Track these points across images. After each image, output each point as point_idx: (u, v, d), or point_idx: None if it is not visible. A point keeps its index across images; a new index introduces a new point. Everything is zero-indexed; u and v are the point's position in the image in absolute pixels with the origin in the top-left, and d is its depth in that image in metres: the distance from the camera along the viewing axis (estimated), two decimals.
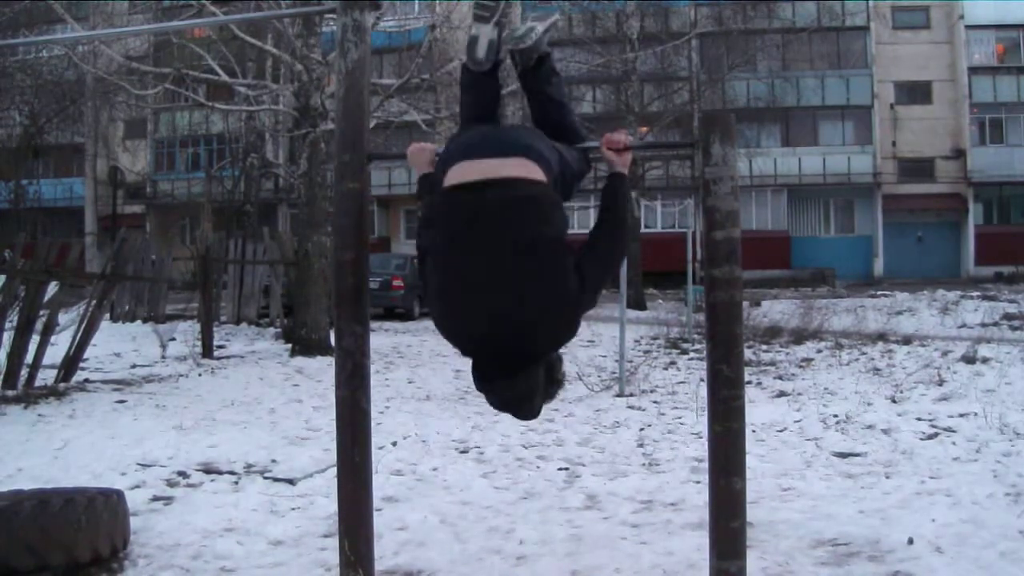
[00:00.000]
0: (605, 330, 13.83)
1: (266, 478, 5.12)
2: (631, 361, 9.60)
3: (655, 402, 7.79)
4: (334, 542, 2.93)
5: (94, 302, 8.90)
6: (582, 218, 22.71)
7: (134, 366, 10.26)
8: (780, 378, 9.02)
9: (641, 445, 6.04)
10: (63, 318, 9.68)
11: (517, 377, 2.30)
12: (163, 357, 10.92)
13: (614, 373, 9.11)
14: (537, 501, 4.66)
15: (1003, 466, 5.07)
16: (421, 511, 4.40)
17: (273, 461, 5.47)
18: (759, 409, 6.95)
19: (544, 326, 2.30)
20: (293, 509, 4.53)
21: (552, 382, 2.47)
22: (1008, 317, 14.74)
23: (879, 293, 22.67)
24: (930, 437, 5.99)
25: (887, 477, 5.01)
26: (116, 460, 5.41)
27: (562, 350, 2.51)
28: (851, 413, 6.75)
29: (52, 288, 8.93)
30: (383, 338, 13.60)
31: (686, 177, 26.00)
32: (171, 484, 5.02)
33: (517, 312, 2.23)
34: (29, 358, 8.04)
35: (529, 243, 2.25)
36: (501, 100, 3.02)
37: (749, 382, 7.79)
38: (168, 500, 4.69)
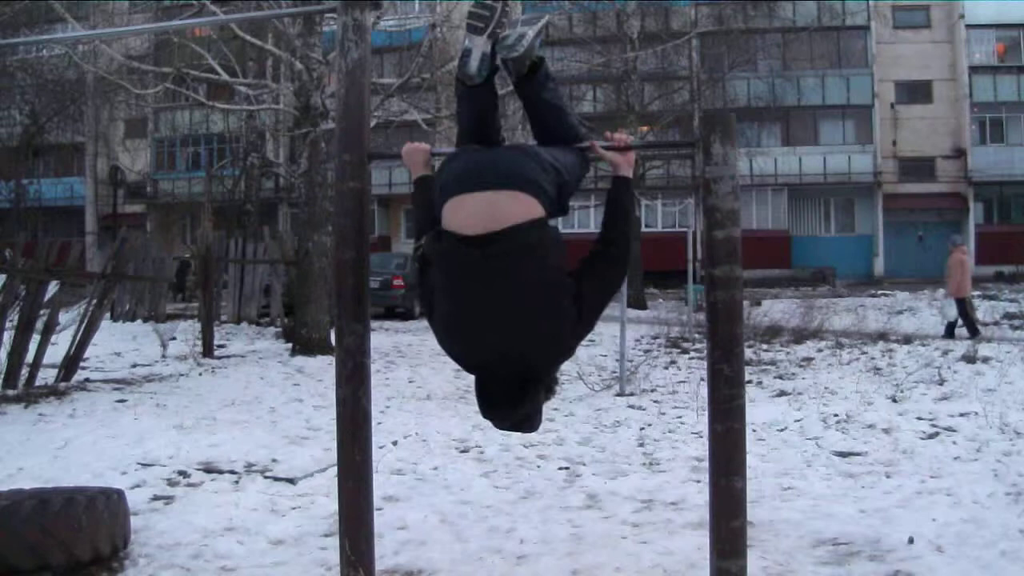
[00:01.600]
0: (605, 329, 13.80)
1: (266, 477, 5.12)
2: (632, 360, 9.59)
3: (655, 401, 7.79)
4: (334, 541, 2.94)
5: (94, 301, 8.90)
6: (581, 217, 22.73)
7: (135, 365, 10.26)
8: (780, 377, 9.02)
9: (641, 444, 6.04)
10: (63, 317, 9.68)
11: (520, 404, 2.41)
12: (163, 356, 10.92)
13: (615, 372, 9.11)
14: (537, 500, 4.66)
15: (1003, 465, 5.07)
16: (421, 510, 4.40)
17: (274, 460, 5.47)
18: (759, 408, 6.95)
19: (543, 355, 2.41)
20: (293, 508, 4.53)
21: (548, 391, 2.54)
22: (1009, 316, 14.75)
23: (879, 292, 22.69)
24: (931, 436, 5.99)
25: (888, 476, 5.01)
26: (117, 459, 5.41)
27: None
28: (851, 412, 6.75)
29: (53, 287, 8.92)
30: (383, 337, 13.60)
31: (686, 176, 25.99)
32: (172, 483, 5.02)
33: (516, 347, 2.34)
34: (30, 357, 8.04)
35: (529, 290, 2.34)
36: (499, 106, 2.89)
37: (749, 381, 7.79)
38: (169, 499, 4.69)
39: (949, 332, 12.55)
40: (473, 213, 2.36)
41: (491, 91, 2.70)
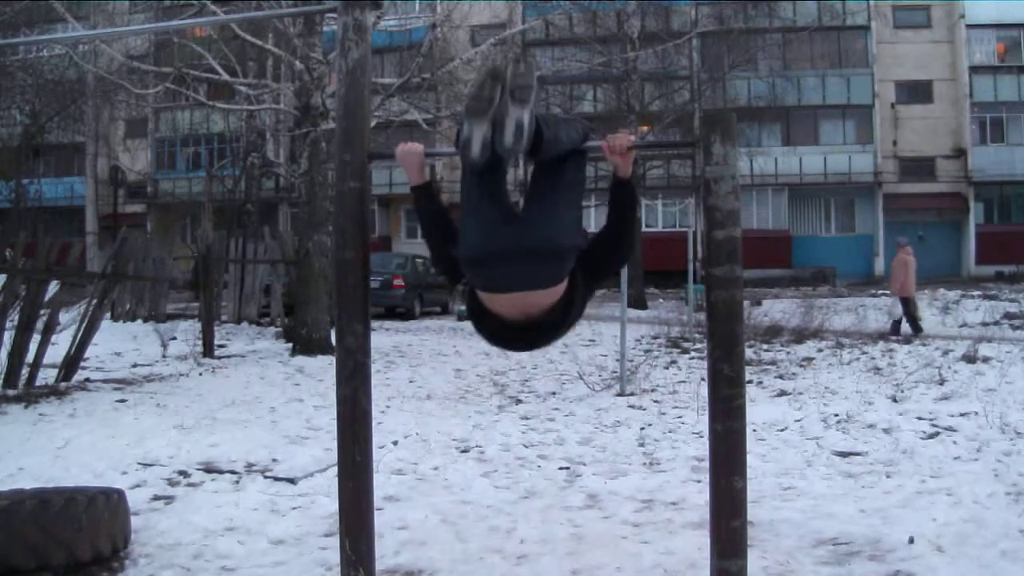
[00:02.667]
0: (606, 329, 13.82)
1: (267, 477, 5.12)
2: (632, 360, 9.59)
3: (656, 401, 7.79)
4: (335, 541, 2.93)
5: (95, 301, 8.90)
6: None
7: (135, 365, 10.26)
8: (781, 377, 9.02)
9: (642, 444, 6.04)
10: (64, 317, 9.67)
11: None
12: (164, 356, 10.92)
13: (615, 372, 9.11)
14: (538, 500, 4.66)
15: (1004, 465, 5.07)
16: (422, 510, 4.40)
17: (274, 460, 5.48)
18: (760, 408, 6.95)
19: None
20: (294, 508, 4.53)
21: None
22: (1009, 316, 14.75)
23: (880, 292, 22.67)
24: (931, 436, 5.99)
25: (888, 476, 5.00)
26: (117, 459, 5.41)
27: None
28: (852, 412, 6.75)
29: (53, 287, 8.92)
30: (384, 337, 13.60)
31: (687, 176, 25.99)
32: (172, 483, 5.02)
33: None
34: (30, 357, 8.04)
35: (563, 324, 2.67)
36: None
37: (750, 381, 7.79)
38: (169, 499, 4.69)
39: (895, 330, 13.14)
40: (507, 305, 2.57)
41: (496, 160, 2.59)
